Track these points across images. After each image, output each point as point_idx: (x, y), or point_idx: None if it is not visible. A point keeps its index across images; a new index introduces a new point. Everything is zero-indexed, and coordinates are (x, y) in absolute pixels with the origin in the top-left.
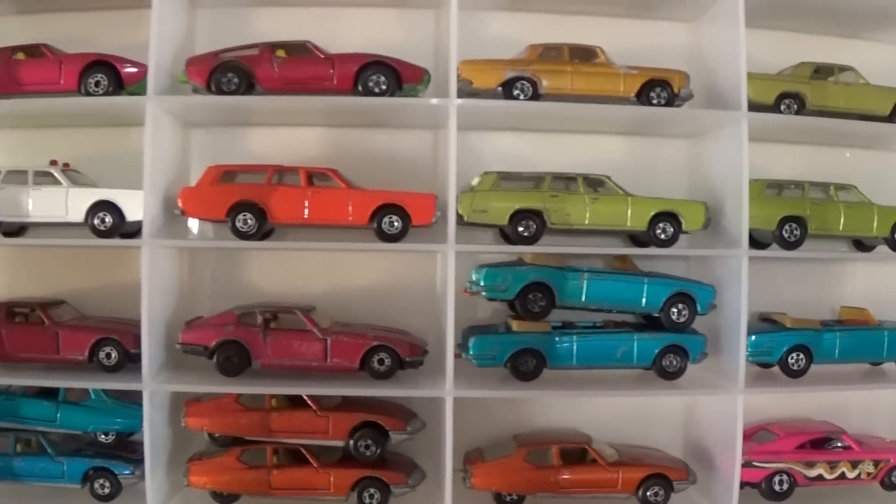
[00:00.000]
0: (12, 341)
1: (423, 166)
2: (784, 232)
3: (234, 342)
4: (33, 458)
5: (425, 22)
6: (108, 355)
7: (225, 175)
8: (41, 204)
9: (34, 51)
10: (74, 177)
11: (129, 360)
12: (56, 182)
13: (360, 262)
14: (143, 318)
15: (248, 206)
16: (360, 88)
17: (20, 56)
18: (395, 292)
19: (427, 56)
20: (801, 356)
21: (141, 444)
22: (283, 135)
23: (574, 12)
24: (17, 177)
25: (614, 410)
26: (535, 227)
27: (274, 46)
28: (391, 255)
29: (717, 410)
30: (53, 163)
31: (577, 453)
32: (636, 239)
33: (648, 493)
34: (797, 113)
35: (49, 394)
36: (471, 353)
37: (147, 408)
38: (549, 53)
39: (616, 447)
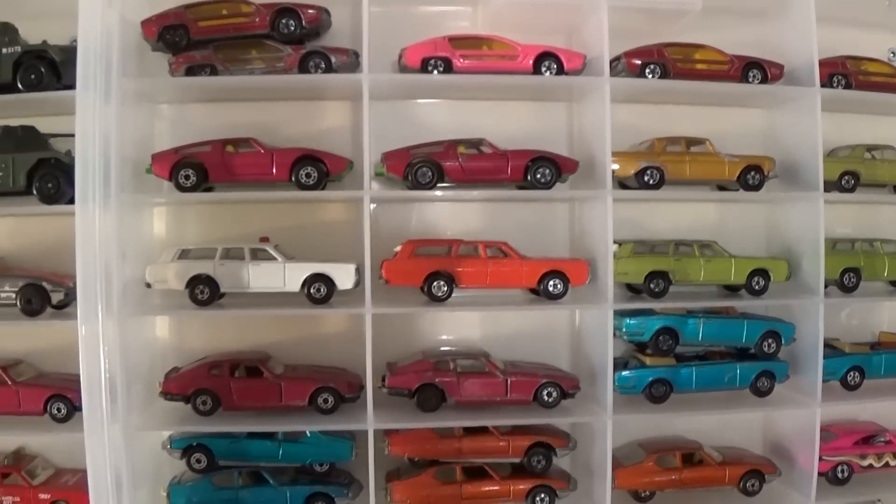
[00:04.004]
0: (239, 394)
1: (562, 233)
2: (844, 280)
3: (431, 385)
4: (258, 489)
5: (559, 113)
6: (326, 400)
7: (419, 248)
8: (260, 277)
9: (244, 144)
10: (281, 250)
11: (343, 402)
12: (271, 257)
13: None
14: (367, 372)
15: (442, 275)
16: (528, 179)
17: (230, 149)
18: (533, 337)
19: (561, 143)
20: (857, 374)
21: (343, 470)
22: (449, 208)
23: (673, 102)
24: (233, 252)
25: (707, 421)
26: (663, 284)
27: (456, 143)
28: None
29: (796, 419)
30: (263, 240)
31: (692, 456)
32: (730, 287)
33: (748, 485)
34: (852, 189)
35: (267, 434)
36: (616, 384)
37: (371, 443)
38: (671, 145)
39: (716, 449)
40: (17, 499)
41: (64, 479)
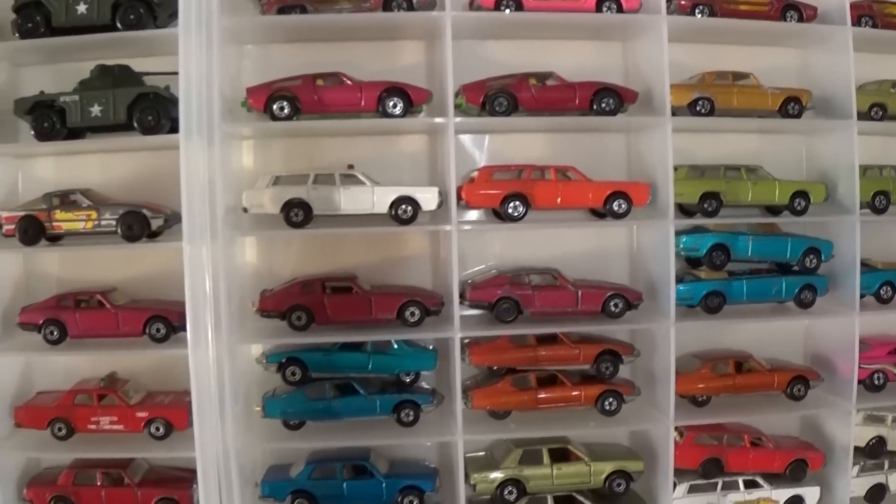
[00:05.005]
0: (332, 309)
1: (619, 160)
2: (876, 202)
3: (509, 298)
4: (349, 398)
5: (614, 51)
6: (413, 313)
7: (495, 173)
8: (351, 200)
9: (333, 78)
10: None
11: (427, 316)
12: (360, 182)
13: (570, 233)
14: (453, 282)
15: (518, 196)
16: (594, 108)
17: (320, 82)
18: (592, 257)
19: (617, 78)
20: (889, 289)
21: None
22: (515, 139)
23: (717, 42)
24: (324, 178)
25: (751, 335)
26: (715, 204)
27: (528, 76)
28: (596, 229)
29: (836, 328)
30: (349, 167)
31: (743, 364)
32: (771, 208)
33: (794, 390)
34: (881, 119)
35: (357, 347)
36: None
37: (456, 350)
38: (720, 78)
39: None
40: (115, 418)
41: (159, 399)
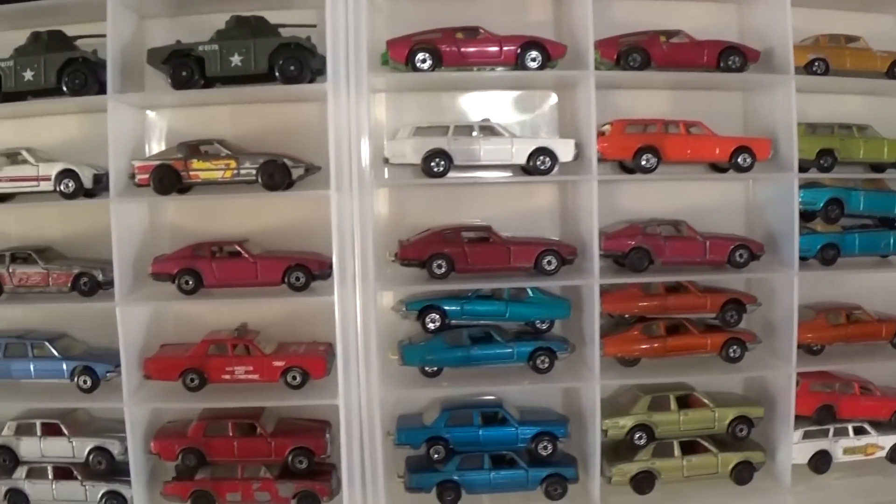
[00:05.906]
0: (473, 257)
1: (734, 116)
2: None
3: (641, 248)
4: (487, 346)
5: (730, 14)
6: (549, 262)
7: (628, 127)
8: (490, 151)
9: (472, 31)
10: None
11: (563, 265)
12: (499, 133)
13: (684, 187)
14: (593, 233)
15: (649, 149)
16: (721, 65)
17: (460, 35)
18: (710, 209)
19: (733, 38)
20: None
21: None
22: (632, 95)
23: (817, 6)
24: (463, 130)
25: (851, 284)
26: (830, 160)
27: (658, 33)
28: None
29: None
30: (486, 119)
31: (850, 316)
32: (874, 166)
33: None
34: None
35: (493, 295)
36: None
37: (595, 298)
38: (832, 41)
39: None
40: (251, 368)
41: (293, 349)
